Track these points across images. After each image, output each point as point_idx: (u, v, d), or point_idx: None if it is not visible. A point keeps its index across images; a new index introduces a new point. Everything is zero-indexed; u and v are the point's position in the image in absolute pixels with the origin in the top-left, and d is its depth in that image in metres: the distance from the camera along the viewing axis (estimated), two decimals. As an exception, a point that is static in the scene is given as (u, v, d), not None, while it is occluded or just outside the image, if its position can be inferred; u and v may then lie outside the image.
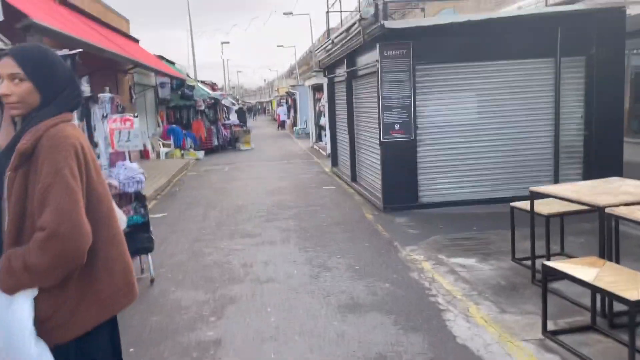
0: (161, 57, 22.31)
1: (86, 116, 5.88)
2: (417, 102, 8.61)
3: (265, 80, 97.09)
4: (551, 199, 4.96)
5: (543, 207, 5.23)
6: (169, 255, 6.80)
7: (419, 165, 8.76)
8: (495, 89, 8.75)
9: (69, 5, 10.50)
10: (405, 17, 18.05)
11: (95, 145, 5.82)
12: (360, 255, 6.38)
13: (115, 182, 5.36)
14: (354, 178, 11.64)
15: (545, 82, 8.71)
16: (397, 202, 8.75)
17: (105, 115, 5.87)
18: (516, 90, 8.75)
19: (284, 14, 35.81)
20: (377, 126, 8.83)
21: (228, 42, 52.08)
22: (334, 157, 14.42)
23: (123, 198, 5.70)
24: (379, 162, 9.13)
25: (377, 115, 8.94)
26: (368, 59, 9.47)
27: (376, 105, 9.01)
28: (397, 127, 8.60)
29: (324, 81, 16.95)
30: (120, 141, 5.87)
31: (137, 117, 6.12)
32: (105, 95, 5.89)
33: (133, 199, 5.82)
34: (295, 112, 33.87)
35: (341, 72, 12.17)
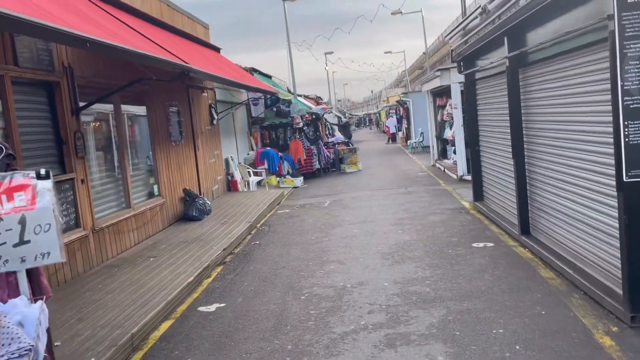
0: (253, 70, 19.31)
1: None
2: None
3: (372, 91, 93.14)
4: None
5: None
6: None
7: None
8: None
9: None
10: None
11: None
12: None
13: None
14: (525, 229, 7.12)
15: None
16: (661, 307, 4.20)
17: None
18: None
19: (392, 13, 31.68)
20: (610, 151, 4.38)
21: (332, 52, 49.01)
22: (477, 188, 9.94)
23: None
24: (607, 220, 4.65)
25: (602, 129, 4.50)
26: (568, 23, 5.04)
27: (598, 109, 4.58)
28: (659, 151, 4.08)
29: (457, 80, 12.54)
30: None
31: (46, 176, 2.45)
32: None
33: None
34: (408, 123, 29.47)
35: (496, 60, 7.75)
